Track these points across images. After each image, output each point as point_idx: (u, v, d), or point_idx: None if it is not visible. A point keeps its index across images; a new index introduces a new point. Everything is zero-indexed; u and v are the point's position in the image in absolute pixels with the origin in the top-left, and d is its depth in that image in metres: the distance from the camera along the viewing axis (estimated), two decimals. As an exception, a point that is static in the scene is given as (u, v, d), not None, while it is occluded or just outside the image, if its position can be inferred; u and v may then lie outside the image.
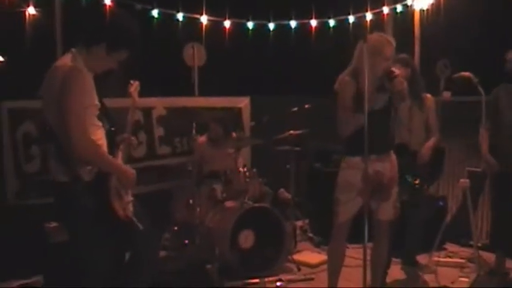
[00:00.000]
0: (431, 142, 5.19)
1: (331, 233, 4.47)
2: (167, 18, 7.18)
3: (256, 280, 5.29)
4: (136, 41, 3.46)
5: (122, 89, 4.20)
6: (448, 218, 6.37)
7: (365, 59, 3.81)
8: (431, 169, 5.21)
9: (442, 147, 5.39)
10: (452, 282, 5.19)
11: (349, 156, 4.29)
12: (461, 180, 5.01)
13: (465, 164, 6.68)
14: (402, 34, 7.78)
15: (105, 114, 3.43)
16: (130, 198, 3.60)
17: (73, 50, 3.36)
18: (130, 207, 3.58)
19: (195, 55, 8.40)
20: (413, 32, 7.69)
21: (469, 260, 5.80)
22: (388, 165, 4.35)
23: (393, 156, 4.41)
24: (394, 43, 4.19)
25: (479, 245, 5.83)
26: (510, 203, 5.22)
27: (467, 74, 5.06)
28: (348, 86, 4.15)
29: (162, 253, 5.88)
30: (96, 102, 3.32)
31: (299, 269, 5.67)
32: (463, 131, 6.27)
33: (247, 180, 5.90)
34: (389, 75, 4.06)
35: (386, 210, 4.40)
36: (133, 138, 3.97)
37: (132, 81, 4.13)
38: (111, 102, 3.76)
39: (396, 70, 4.13)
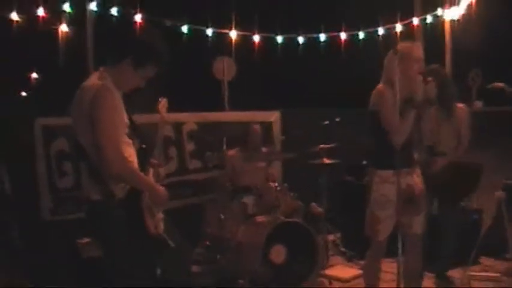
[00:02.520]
0: (444, 160, 5.10)
1: (368, 250, 4.44)
2: (197, 34, 7.21)
3: (290, 296, 5.26)
4: (162, 57, 3.47)
5: (152, 105, 4.22)
6: (483, 231, 6.25)
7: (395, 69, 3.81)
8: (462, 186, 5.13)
9: (479, 164, 5.28)
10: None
11: (382, 169, 4.24)
12: (497, 192, 4.94)
13: (500, 176, 6.56)
14: (433, 45, 7.73)
15: (135, 132, 3.45)
16: (161, 215, 3.61)
17: (101, 68, 3.39)
18: (162, 225, 3.59)
19: (225, 69, 8.46)
20: (444, 42, 7.63)
21: (505, 273, 5.68)
22: (417, 178, 4.33)
23: (418, 169, 4.38)
24: (421, 46, 4.21)
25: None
26: None
27: (500, 84, 4.99)
28: (386, 94, 4.10)
29: (194, 268, 5.88)
30: (126, 119, 3.34)
31: (330, 284, 5.62)
32: (498, 141, 6.17)
33: (278, 194, 5.89)
34: (423, 79, 4.03)
35: (419, 224, 4.35)
36: (161, 169, 3.95)
37: (160, 99, 4.14)
38: (141, 118, 3.78)
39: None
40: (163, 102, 4.12)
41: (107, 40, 3.98)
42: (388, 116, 4.08)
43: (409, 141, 4.07)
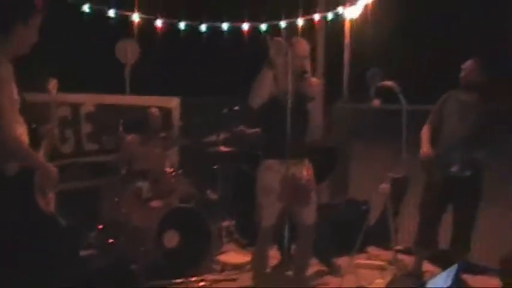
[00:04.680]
0: None
1: (257, 237, 4.55)
2: (98, 14, 7.02)
3: (180, 280, 5.31)
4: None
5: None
6: (372, 221, 6.52)
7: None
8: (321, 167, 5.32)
9: (334, 147, 5.50)
10: (369, 284, 5.33)
11: (266, 158, 4.38)
12: (381, 185, 5.17)
13: (389, 170, 6.85)
14: (334, 42, 7.95)
15: (25, 110, 3.38)
16: (52, 195, 3.57)
17: None
18: (53, 204, 3.55)
19: (128, 52, 8.36)
20: (343, 40, 7.88)
21: (390, 262, 5.95)
22: (304, 169, 4.44)
23: (307, 162, 4.50)
24: (307, 45, 4.37)
25: (401, 248, 6.01)
26: (437, 208, 5.40)
27: (390, 83, 5.22)
28: (265, 74, 4.20)
29: (87, 251, 5.81)
30: (17, 96, 3.26)
31: (223, 270, 5.72)
32: (390, 138, 6.43)
33: (174, 180, 5.92)
34: (302, 74, 4.22)
35: (308, 215, 4.49)
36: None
37: (51, 79, 4.04)
38: (34, 97, 3.69)
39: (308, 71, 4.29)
40: (53, 83, 4.03)
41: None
42: (254, 85, 4.23)
43: (297, 133, 4.20)
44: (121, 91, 8.10)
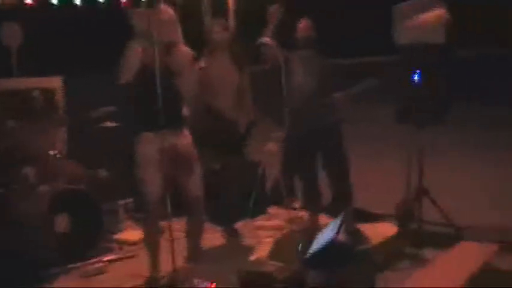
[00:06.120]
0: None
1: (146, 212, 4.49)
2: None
3: (77, 264, 5.14)
4: None
5: None
6: (270, 183, 6.52)
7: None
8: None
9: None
10: (258, 243, 5.37)
11: (142, 131, 4.30)
12: (268, 145, 5.19)
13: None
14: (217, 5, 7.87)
15: None
16: None
17: None
18: None
19: (12, 35, 8.12)
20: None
21: (289, 221, 6.00)
22: (183, 139, 4.40)
23: (185, 131, 4.46)
24: (171, 10, 4.29)
25: (298, 206, 6.05)
26: (302, 163, 5.65)
27: (267, 39, 5.24)
28: (131, 48, 4.16)
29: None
30: None
31: (120, 248, 5.60)
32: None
33: (59, 162, 5.71)
34: (170, 44, 4.22)
35: (194, 185, 4.45)
36: None
37: None
38: None
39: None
40: None
41: None
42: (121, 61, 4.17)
43: (169, 103, 4.10)
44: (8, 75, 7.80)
